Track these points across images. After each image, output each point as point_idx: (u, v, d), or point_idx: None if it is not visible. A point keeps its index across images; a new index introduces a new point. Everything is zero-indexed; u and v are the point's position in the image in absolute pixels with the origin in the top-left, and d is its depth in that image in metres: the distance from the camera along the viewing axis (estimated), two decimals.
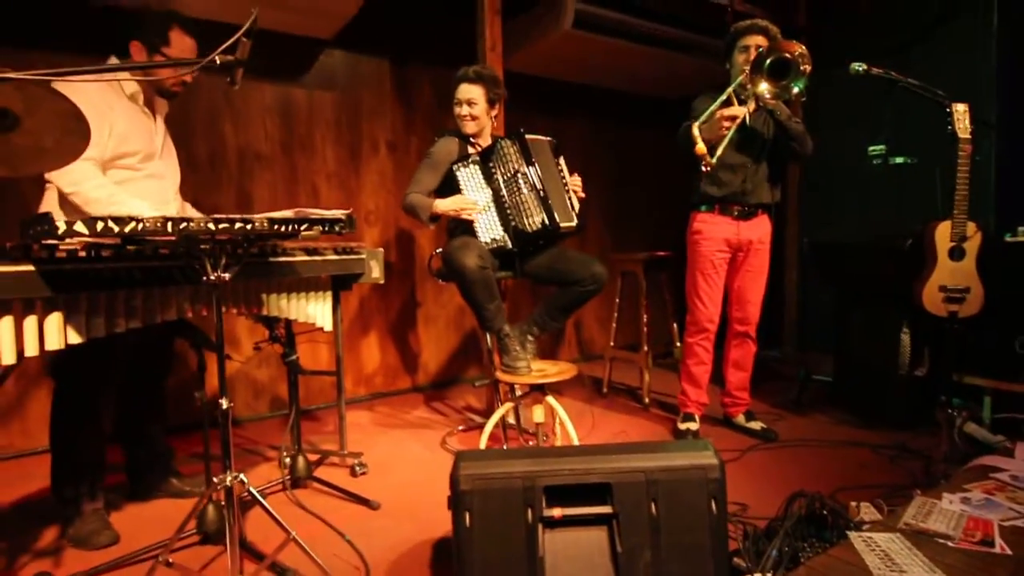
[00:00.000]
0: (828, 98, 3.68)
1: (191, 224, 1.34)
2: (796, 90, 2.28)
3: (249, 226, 1.45)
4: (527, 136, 2.50)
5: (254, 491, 1.61)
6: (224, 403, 1.49)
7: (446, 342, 3.92)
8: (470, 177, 2.53)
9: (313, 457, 2.49)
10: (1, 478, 2.44)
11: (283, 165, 3.29)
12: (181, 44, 1.94)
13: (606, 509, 1.33)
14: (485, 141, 2.68)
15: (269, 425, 3.14)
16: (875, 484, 2.15)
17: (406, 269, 3.74)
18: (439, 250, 2.75)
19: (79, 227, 1.20)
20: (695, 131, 2.32)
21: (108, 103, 1.87)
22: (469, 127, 2.62)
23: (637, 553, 1.30)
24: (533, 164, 2.47)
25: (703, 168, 2.36)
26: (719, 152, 2.37)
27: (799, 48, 2.27)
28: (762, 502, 2.02)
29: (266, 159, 3.23)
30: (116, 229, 1.24)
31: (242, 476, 1.54)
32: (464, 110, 2.60)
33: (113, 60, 1.94)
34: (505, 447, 2.62)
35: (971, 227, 2.44)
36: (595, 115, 4.55)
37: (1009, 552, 1.28)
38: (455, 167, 2.53)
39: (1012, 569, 1.23)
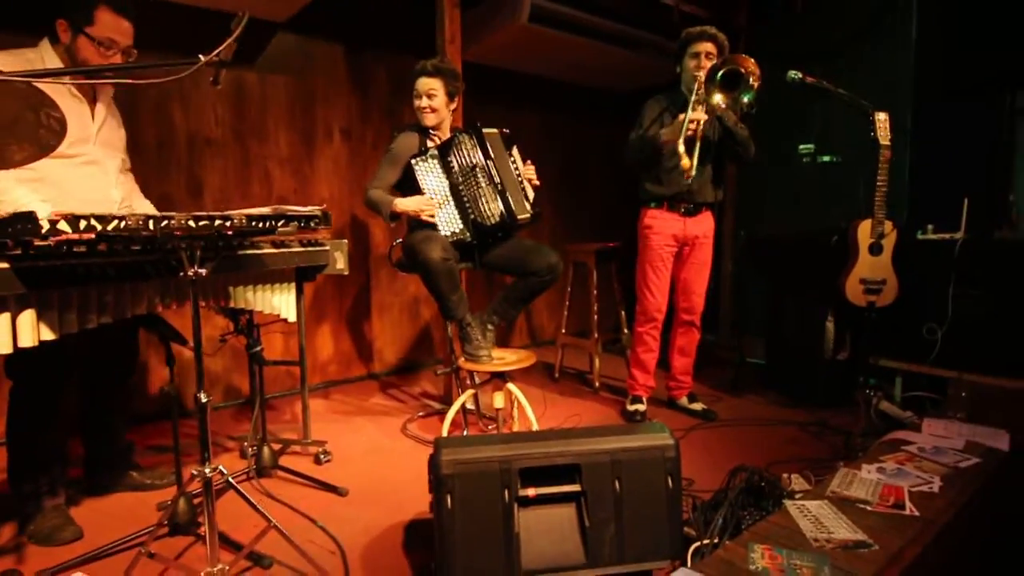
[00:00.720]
0: (764, 98, 3.93)
1: (172, 222, 1.36)
2: (746, 99, 2.45)
3: (228, 223, 1.47)
4: (484, 130, 2.57)
5: (233, 482, 1.64)
6: (203, 397, 1.51)
7: (400, 330, 3.97)
8: (428, 171, 2.58)
9: (276, 445, 2.51)
10: None
11: (235, 150, 3.22)
12: (111, 25, 1.83)
13: (575, 487, 1.46)
14: (444, 134, 2.72)
15: (223, 415, 3.11)
16: (803, 457, 2.39)
17: (360, 257, 3.75)
18: (399, 240, 2.80)
19: (63, 226, 1.20)
20: (663, 136, 2.57)
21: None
22: (429, 119, 2.67)
23: (603, 527, 1.43)
24: (490, 157, 2.54)
25: (685, 178, 2.53)
26: (695, 158, 2.53)
27: (751, 65, 2.43)
28: (705, 476, 2.22)
29: (217, 144, 3.16)
30: (99, 228, 1.24)
31: (221, 467, 1.57)
32: (424, 102, 2.64)
33: (45, 42, 1.85)
34: (466, 432, 2.72)
35: (888, 225, 2.71)
36: (548, 106, 4.65)
37: (917, 514, 1.49)
38: (413, 161, 2.57)
39: (919, 528, 1.44)
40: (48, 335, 1.41)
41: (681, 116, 2.54)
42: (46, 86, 1.77)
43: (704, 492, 2.09)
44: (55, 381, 1.83)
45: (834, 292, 2.81)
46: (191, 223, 1.39)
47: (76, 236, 1.22)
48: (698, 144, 2.57)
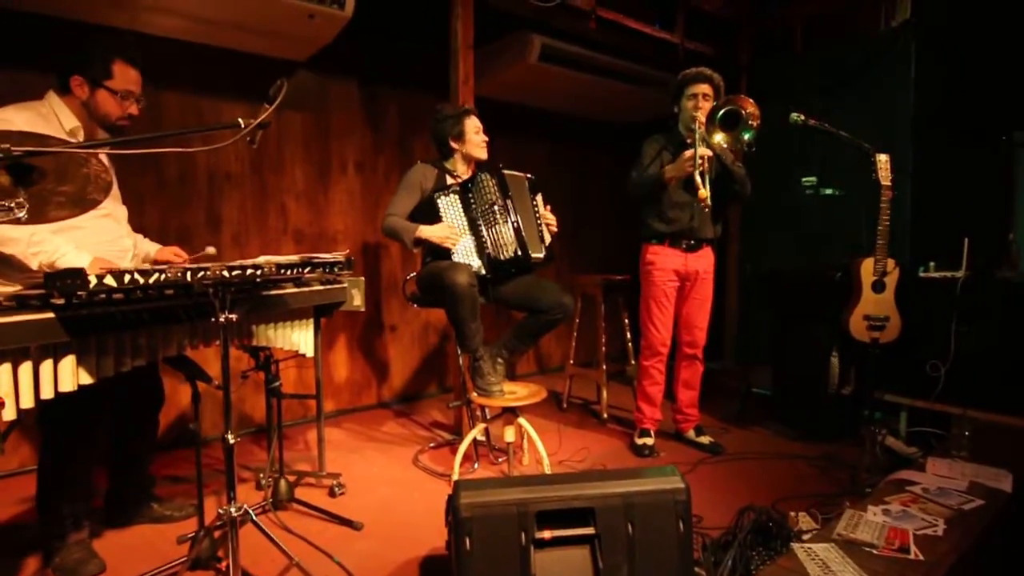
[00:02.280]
0: (766, 132, 4.02)
1: (208, 272, 1.43)
2: (746, 137, 2.54)
3: (259, 272, 1.54)
4: (505, 172, 2.67)
5: (259, 523, 1.69)
6: (231, 438, 1.57)
7: (411, 358, 4.03)
8: (450, 205, 2.67)
9: (291, 477, 2.56)
10: None
11: (253, 184, 3.32)
12: (125, 77, 1.91)
13: (589, 530, 1.50)
14: (463, 170, 2.82)
15: (239, 444, 3.15)
16: (810, 494, 2.43)
17: (372, 286, 3.82)
18: (413, 275, 2.87)
19: (109, 280, 1.28)
20: (667, 173, 2.68)
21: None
22: (486, 152, 2.83)
23: (616, 570, 1.48)
24: (509, 197, 2.63)
25: (702, 206, 2.59)
26: (707, 187, 2.58)
27: (751, 105, 2.52)
28: (714, 513, 2.26)
29: (236, 178, 3.26)
30: (142, 281, 1.32)
31: (247, 507, 1.62)
32: (481, 136, 2.81)
33: (52, 95, 1.89)
34: (476, 465, 2.76)
35: (891, 263, 2.77)
36: (555, 137, 4.76)
37: (921, 558, 1.54)
38: (436, 196, 2.66)
39: (924, 572, 1.48)
40: (86, 379, 1.48)
41: (686, 153, 2.62)
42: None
43: (712, 529, 2.13)
44: (90, 418, 1.88)
45: (838, 328, 2.86)
46: (225, 273, 1.47)
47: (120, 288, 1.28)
48: (707, 176, 2.64)
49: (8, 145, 1.12)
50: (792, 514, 2.14)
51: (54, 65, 1.90)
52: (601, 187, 5.07)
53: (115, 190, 2.07)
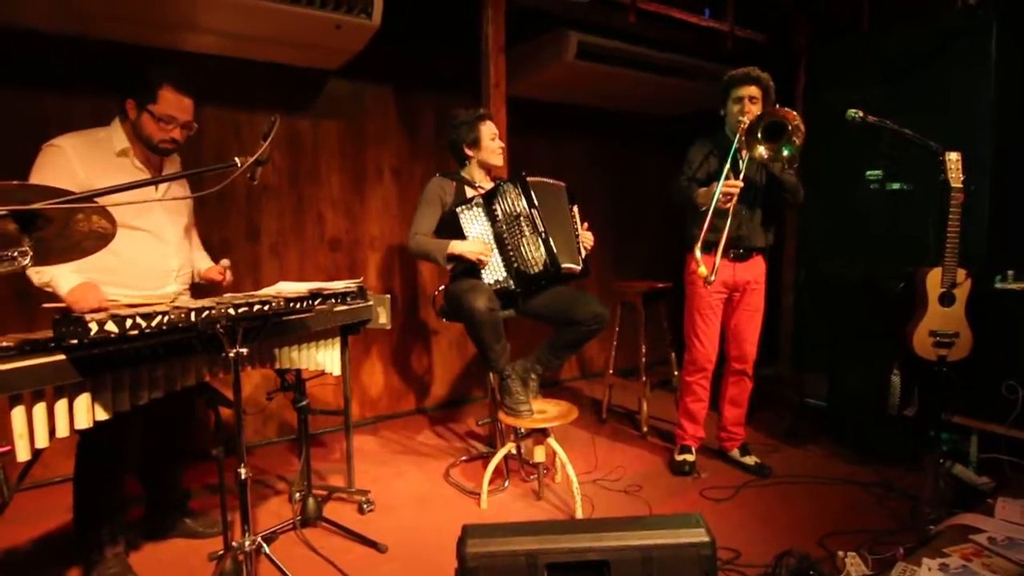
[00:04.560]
0: (828, 121, 3.72)
1: (212, 312, 1.41)
2: (786, 154, 2.36)
3: (268, 307, 1.52)
4: (530, 179, 2.56)
5: (274, 558, 1.69)
6: (243, 473, 1.57)
7: (449, 363, 4.01)
8: (473, 219, 2.59)
9: (321, 492, 2.58)
10: (20, 511, 2.51)
11: (289, 194, 3.35)
12: (173, 102, 1.96)
13: None
14: (481, 178, 2.74)
15: (277, 450, 3.23)
16: (863, 528, 2.24)
17: (409, 291, 3.81)
18: (441, 288, 2.82)
19: (110, 327, 1.27)
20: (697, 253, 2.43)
21: (86, 162, 1.89)
22: (502, 159, 2.76)
23: None
24: (535, 206, 2.53)
25: (705, 283, 2.48)
26: (718, 258, 2.48)
27: (796, 119, 2.33)
28: (754, 547, 2.12)
29: (273, 190, 3.29)
30: (144, 325, 1.31)
31: (261, 541, 1.62)
32: (497, 143, 2.73)
33: (116, 118, 2.00)
34: (507, 483, 2.71)
35: (961, 274, 2.51)
36: (595, 134, 4.60)
37: None
38: (459, 210, 2.59)
39: None
40: (102, 415, 1.50)
41: (713, 186, 2.45)
42: (109, 162, 1.95)
43: (750, 567, 2.00)
44: (119, 437, 1.93)
45: (901, 344, 2.63)
46: (231, 311, 1.45)
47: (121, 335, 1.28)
48: (729, 219, 2.44)
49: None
50: (840, 554, 1.99)
51: (116, 90, 2.01)
52: (646, 185, 4.87)
53: (177, 205, 2.12)
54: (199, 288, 2.27)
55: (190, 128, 2.05)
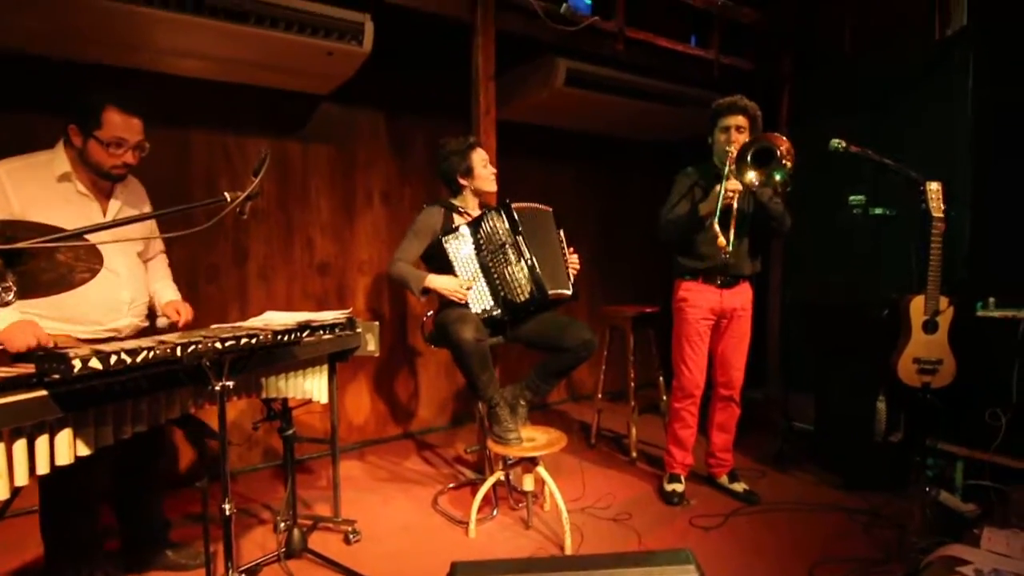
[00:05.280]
0: (811, 147, 3.78)
1: (199, 346, 1.40)
2: (778, 178, 2.39)
3: (255, 340, 1.50)
4: (515, 206, 2.57)
5: None
6: (227, 508, 1.54)
7: (437, 388, 3.98)
8: (458, 249, 2.59)
9: (306, 522, 2.54)
10: None
11: (278, 218, 3.34)
12: (120, 124, 1.86)
13: None
14: (473, 206, 2.75)
15: (263, 477, 3.18)
16: (850, 557, 2.25)
17: (397, 315, 3.80)
18: (430, 313, 2.82)
19: (94, 363, 1.25)
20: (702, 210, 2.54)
21: (19, 188, 1.79)
22: (495, 184, 2.76)
23: None
24: (520, 234, 2.54)
25: (723, 254, 2.47)
26: (731, 231, 2.49)
27: (785, 144, 2.37)
28: None
29: (262, 213, 3.28)
30: (129, 361, 1.29)
31: None
32: (490, 169, 2.73)
33: (60, 143, 1.90)
34: (495, 512, 2.68)
35: (944, 301, 2.55)
36: (584, 159, 4.64)
37: None
38: (444, 239, 2.59)
39: None
40: (84, 451, 1.46)
41: (717, 187, 2.49)
42: (47, 189, 1.84)
43: None
44: (85, 468, 1.83)
45: (886, 370, 2.66)
46: (218, 345, 1.43)
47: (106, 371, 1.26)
48: (734, 214, 2.51)
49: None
50: None
51: (56, 114, 1.92)
52: (634, 210, 4.91)
53: (127, 231, 1.87)
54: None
55: (143, 148, 1.94)
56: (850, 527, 2.53)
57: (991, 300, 2.80)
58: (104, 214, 1.97)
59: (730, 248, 2.46)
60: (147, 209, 2.13)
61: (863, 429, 2.89)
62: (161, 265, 2.27)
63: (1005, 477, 2.57)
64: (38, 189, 1.83)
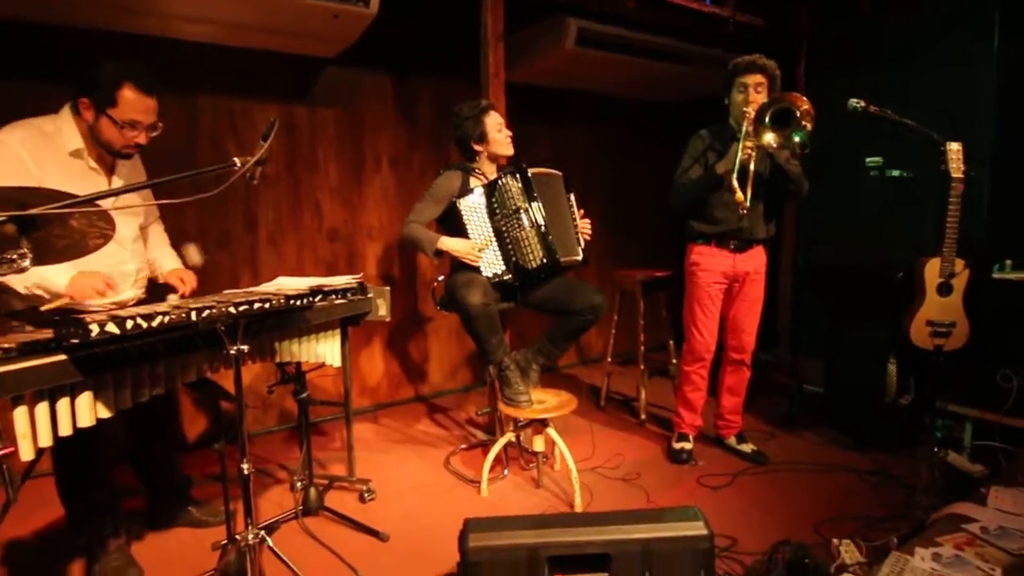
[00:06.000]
0: (828, 107, 3.68)
1: (213, 311, 1.41)
2: (797, 139, 2.33)
3: (268, 304, 1.52)
4: (530, 171, 2.55)
5: (277, 551, 1.71)
6: (246, 468, 1.58)
7: (448, 351, 4.02)
8: (473, 212, 2.59)
9: (322, 482, 2.61)
10: (23, 501, 2.51)
11: (287, 183, 3.33)
12: (135, 104, 1.79)
13: None
14: (490, 170, 2.72)
15: (278, 439, 3.26)
16: (858, 515, 2.28)
17: (409, 280, 3.81)
18: (441, 278, 2.83)
19: (111, 327, 1.27)
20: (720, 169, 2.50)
21: (38, 160, 1.75)
22: (511, 148, 2.71)
23: None
24: (535, 199, 2.52)
25: (741, 211, 2.44)
26: (748, 189, 2.43)
27: (806, 105, 2.30)
28: (750, 535, 2.16)
29: (271, 178, 3.27)
30: (145, 326, 1.31)
31: (265, 535, 1.63)
32: (505, 133, 2.69)
33: (67, 111, 1.84)
34: (506, 472, 2.74)
35: (959, 264, 2.52)
36: (597, 121, 4.57)
37: None
38: (458, 201, 2.59)
39: None
40: (105, 413, 1.50)
41: (734, 145, 2.44)
42: (60, 162, 1.81)
43: (747, 555, 2.03)
44: (94, 431, 1.86)
45: (898, 333, 2.64)
46: (231, 310, 1.45)
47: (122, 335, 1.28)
48: (751, 173, 2.46)
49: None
50: (835, 542, 2.01)
51: (69, 81, 1.83)
52: (647, 173, 4.84)
53: (131, 203, 1.91)
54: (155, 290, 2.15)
55: (156, 129, 1.89)
56: (858, 487, 2.56)
57: (1008, 263, 2.76)
58: (109, 187, 1.92)
59: (748, 204, 2.41)
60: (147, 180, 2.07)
61: (873, 391, 2.90)
62: (159, 233, 2.25)
63: (1014, 439, 2.58)
64: (53, 162, 1.79)
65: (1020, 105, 3.11)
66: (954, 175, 2.42)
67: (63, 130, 1.81)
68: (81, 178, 1.84)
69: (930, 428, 2.59)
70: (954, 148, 2.44)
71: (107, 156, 1.91)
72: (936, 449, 2.42)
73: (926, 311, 2.57)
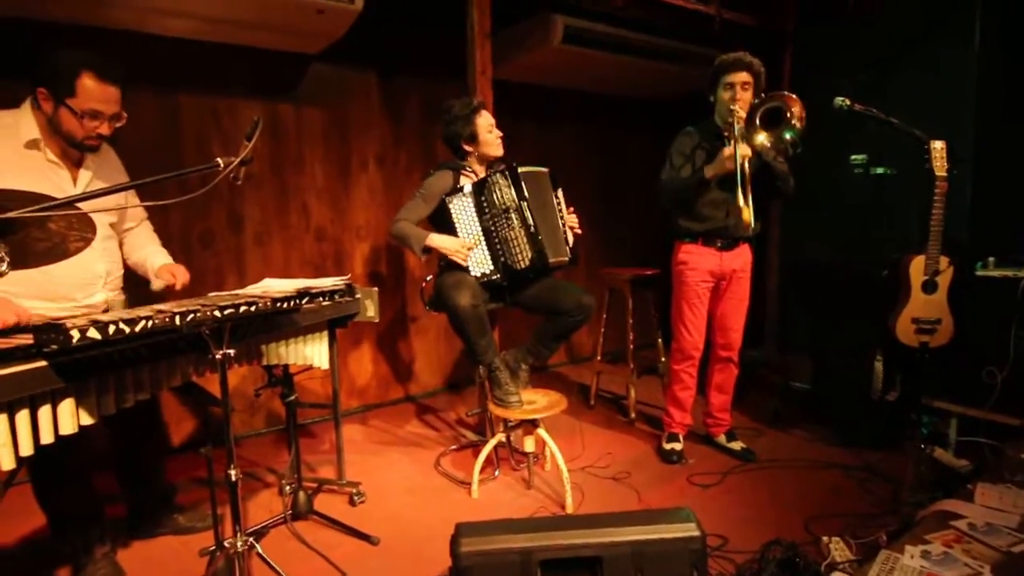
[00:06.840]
0: (812, 105, 3.70)
1: (197, 315, 1.39)
2: (788, 137, 2.33)
3: (254, 307, 1.49)
4: (520, 169, 2.53)
5: (266, 558, 1.69)
6: (233, 474, 1.56)
7: (438, 351, 4.00)
8: (462, 210, 2.57)
9: (311, 485, 2.58)
10: (6, 508, 2.47)
11: (273, 184, 3.29)
12: (96, 94, 1.71)
13: None
14: (480, 170, 2.70)
15: (266, 442, 3.22)
16: (847, 512, 2.30)
17: (397, 280, 3.79)
18: (430, 278, 2.81)
19: (92, 333, 1.24)
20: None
21: None
22: (502, 149, 2.68)
23: None
24: (524, 198, 2.51)
25: (746, 225, 2.40)
26: (749, 200, 2.39)
27: (795, 103, 2.31)
28: (741, 534, 2.16)
29: (256, 178, 3.23)
30: (128, 331, 1.28)
31: (253, 541, 1.61)
32: (495, 134, 2.67)
33: (27, 104, 1.76)
34: (497, 472, 2.72)
35: (943, 261, 2.55)
36: (584, 119, 4.56)
37: None
38: (447, 199, 2.57)
39: None
40: (88, 420, 1.47)
41: (726, 150, 2.44)
42: (13, 155, 1.72)
43: (738, 554, 2.03)
44: (72, 445, 1.65)
45: (884, 330, 2.67)
46: (217, 313, 1.42)
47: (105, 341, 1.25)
48: (749, 179, 2.44)
49: None
50: (825, 539, 2.03)
51: (16, 79, 1.76)
52: (634, 170, 4.85)
53: (101, 201, 1.73)
54: (135, 291, 2.10)
55: (119, 119, 1.80)
56: (846, 483, 2.58)
57: (991, 260, 2.80)
58: (74, 183, 1.84)
59: (752, 222, 2.38)
60: (122, 178, 2.00)
61: (860, 388, 2.92)
62: (147, 231, 2.18)
63: (999, 434, 2.62)
64: (6, 158, 1.71)
65: (1000, 104, 3.15)
66: (938, 173, 2.45)
67: (20, 122, 1.74)
68: (37, 170, 1.76)
69: (916, 424, 2.62)
70: (938, 147, 2.46)
71: (71, 150, 1.82)
72: (922, 445, 2.45)
73: (911, 308, 2.60)
